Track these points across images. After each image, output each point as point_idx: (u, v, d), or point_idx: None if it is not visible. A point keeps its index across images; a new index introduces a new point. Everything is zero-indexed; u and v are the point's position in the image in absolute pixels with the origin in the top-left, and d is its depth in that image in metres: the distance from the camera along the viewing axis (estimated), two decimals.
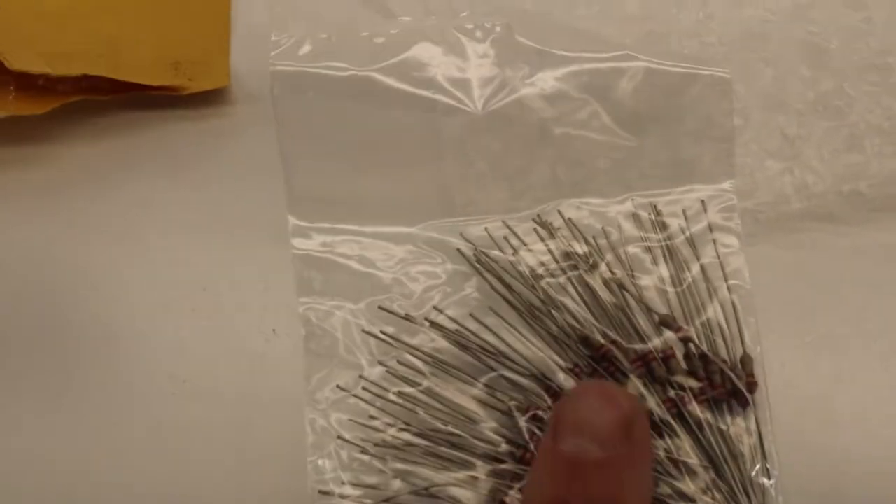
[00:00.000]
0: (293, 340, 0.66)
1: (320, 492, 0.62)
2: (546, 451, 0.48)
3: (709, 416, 0.62)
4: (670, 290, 0.65)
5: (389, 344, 0.64)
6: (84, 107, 0.70)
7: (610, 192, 0.68)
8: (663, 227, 0.67)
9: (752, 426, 0.62)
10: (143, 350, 0.66)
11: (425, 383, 0.64)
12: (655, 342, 0.63)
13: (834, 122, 0.70)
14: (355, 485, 0.62)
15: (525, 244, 0.66)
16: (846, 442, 0.63)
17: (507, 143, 0.69)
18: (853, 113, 0.70)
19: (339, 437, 0.63)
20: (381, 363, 0.64)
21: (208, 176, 0.71)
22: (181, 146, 0.71)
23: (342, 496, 0.62)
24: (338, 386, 0.64)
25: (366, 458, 0.62)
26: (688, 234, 0.66)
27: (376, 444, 0.62)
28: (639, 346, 0.63)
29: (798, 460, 0.63)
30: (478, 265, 0.66)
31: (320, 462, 0.63)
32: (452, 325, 0.64)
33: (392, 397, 0.63)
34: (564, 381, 0.63)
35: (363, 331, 0.65)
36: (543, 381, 0.63)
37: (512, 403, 0.62)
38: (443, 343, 0.65)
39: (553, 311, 0.64)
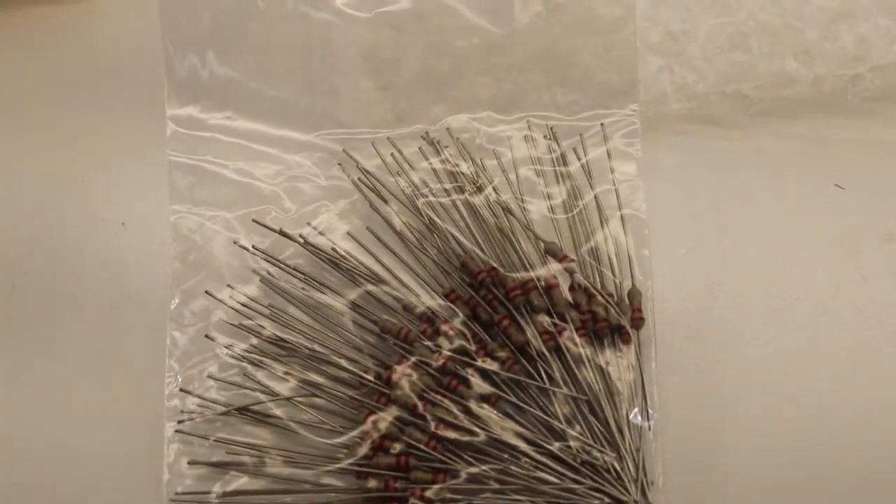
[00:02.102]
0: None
1: (181, 390, 0.60)
2: None
3: (588, 350, 0.58)
4: (561, 217, 0.61)
5: (262, 258, 0.62)
6: None
7: (504, 109, 0.64)
8: (558, 150, 0.62)
9: (634, 363, 0.58)
10: None
11: (295, 301, 0.61)
12: (540, 271, 0.59)
13: (722, 19, 0.66)
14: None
15: (410, 163, 0.62)
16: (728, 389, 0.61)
17: (398, 56, 0.65)
18: (742, 9, 0.66)
19: (206, 336, 0.61)
20: (255, 272, 0.62)
21: (77, 63, 0.69)
22: (49, 32, 0.69)
23: (202, 398, 0.59)
24: (207, 292, 0.61)
25: (232, 363, 0.60)
26: (584, 159, 0.62)
27: (245, 351, 0.60)
28: (521, 275, 0.59)
29: (680, 403, 0.60)
30: (359, 182, 0.62)
31: (175, 364, 0.61)
32: (327, 244, 0.60)
33: (263, 310, 0.61)
34: (439, 306, 0.58)
35: (234, 242, 0.61)
36: (415, 305, 0.60)
37: (382, 325, 0.59)
38: (317, 261, 0.61)
39: (434, 234, 0.60)
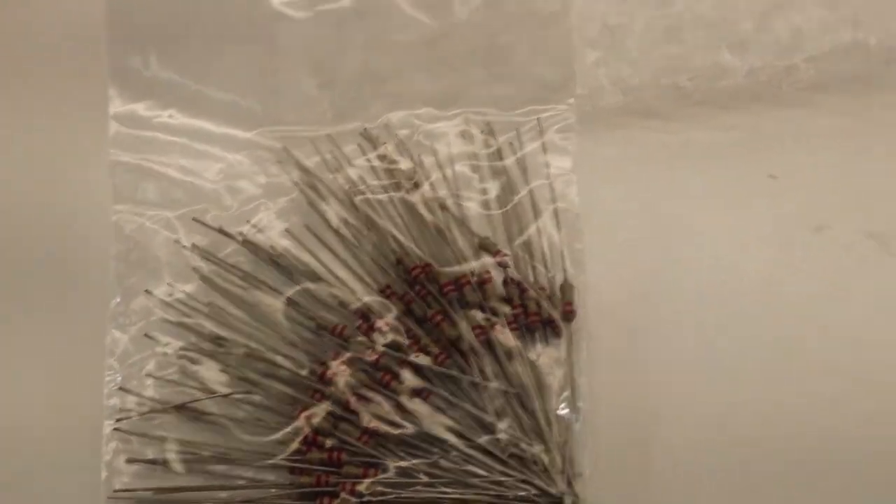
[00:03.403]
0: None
1: (120, 388, 0.62)
2: None
3: (519, 344, 0.59)
4: (496, 212, 0.62)
5: (202, 256, 0.63)
6: None
7: (442, 104, 0.66)
8: (494, 145, 0.63)
9: (564, 357, 0.60)
10: None
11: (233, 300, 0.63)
12: (474, 265, 0.60)
13: (658, 12, 0.67)
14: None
15: (348, 160, 0.63)
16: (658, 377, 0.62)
17: (338, 54, 0.66)
18: (678, 1, 0.67)
19: (145, 335, 0.62)
20: (195, 270, 0.63)
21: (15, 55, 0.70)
22: None
23: (140, 396, 0.61)
24: (147, 291, 0.63)
25: (171, 361, 0.62)
26: (519, 154, 0.63)
27: (182, 349, 0.61)
28: (455, 269, 0.60)
29: (609, 395, 0.61)
30: (298, 180, 0.64)
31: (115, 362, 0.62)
32: (266, 242, 0.61)
33: (202, 308, 0.62)
34: (375, 302, 0.60)
35: (175, 241, 0.63)
36: (351, 301, 0.61)
37: (318, 321, 0.61)
38: (256, 259, 0.63)
39: (371, 231, 0.62)
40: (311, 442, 0.58)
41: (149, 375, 0.61)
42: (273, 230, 0.63)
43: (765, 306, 0.63)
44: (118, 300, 0.62)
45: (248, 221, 0.63)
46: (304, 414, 0.58)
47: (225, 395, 0.60)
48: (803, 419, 0.60)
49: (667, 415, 0.61)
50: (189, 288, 0.63)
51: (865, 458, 0.59)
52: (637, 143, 0.66)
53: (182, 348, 0.61)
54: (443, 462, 0.58)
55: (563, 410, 0.59)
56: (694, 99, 0.66)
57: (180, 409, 0.60)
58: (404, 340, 0.60)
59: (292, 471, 0.58)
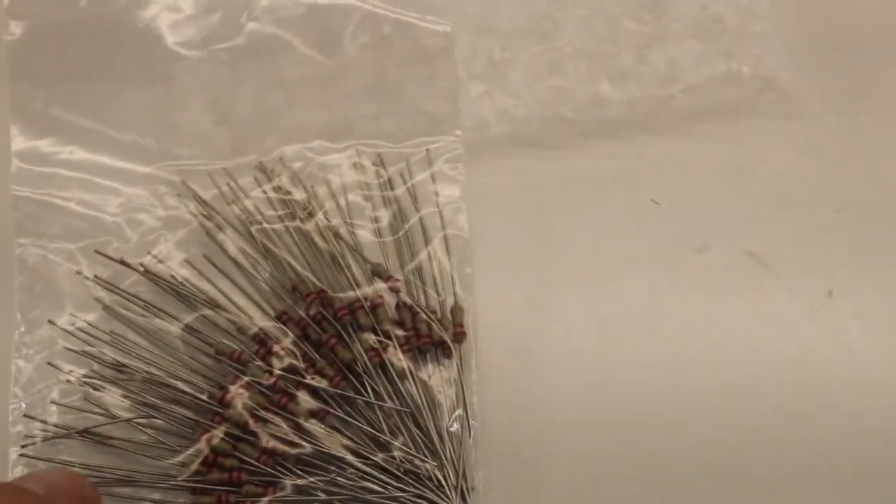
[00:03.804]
0: None
1: (25, 415, 0.63)
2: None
3: (411, 365, 0.62)
4: (388, 239, 0.65)
5: (104, 287, 0.65)
6: None
7: (335, 137, 0.68)
8: (385, 175, 0.66)
9: (456, 376, 0.62)
10: None
11: (135, 328, 0.65)
12: (367, 291, 0.63)
13: (541, 47, 0.70)
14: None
15: (245, 192, 0.66)
16: (548, 389, 0.65)
17: (233, 91, 0.68)
18: (560, 37, 0.70)
19: (49, 363, 0.64)
20: (97, 300, 0.65)
21: None
22: None
23: (45, 422, 0.63)
24: (50, 321, 0.64)
25: (75, 388, 0.64)
26: (409, 183, 0.66)
27: (85, 377, 0.63)
28: (349, 294, 0.63)
29: (500, 412, 0.64)
30: (196, 212, 0.66)
31: (20, 390, 0.64)
32: (167, 272, 0.64)
33: (104, 336, 0.64)
34: (272, 328, 0.63)
35: (77, 272, 0.65)
36: (248, 327, 0.64)
37: (217, 347, 0.63)
38: (157, 288, 0.65)
39: (267, 259, 0.64)
40: (211, 463, 0.60)
41: (53, 403, 0.63)
42: (173, 260, 0.65)
43: (647, 324, 0.65)
44: (22, 330, 0.64)
45: (148, 252, 0.65)
46: (204, 436, 0.60)
47: (127, 420, 0.61)
48: (688, 431, 0.63)
49: (555, 428, 0.64)
50: (91, 317, 0.64)
51: (747, 464, 0.63)
52: (524, 171, 0.68)
53: (85, 375, 0.63)
54: (340, 479, 0.60)
55: (455, 428, 0.61)
56: (578, 129, 0.68)
57: (84, 434, 0.61)
58: (300, 364, 0.61)
59: (194, 491, 0.60)
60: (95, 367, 0.63)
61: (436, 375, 0.62)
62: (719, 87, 0.70)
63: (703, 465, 0.63)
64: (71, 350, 0.64)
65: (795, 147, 0.69)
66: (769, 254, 0.66)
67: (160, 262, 0.65)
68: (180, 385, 0.62)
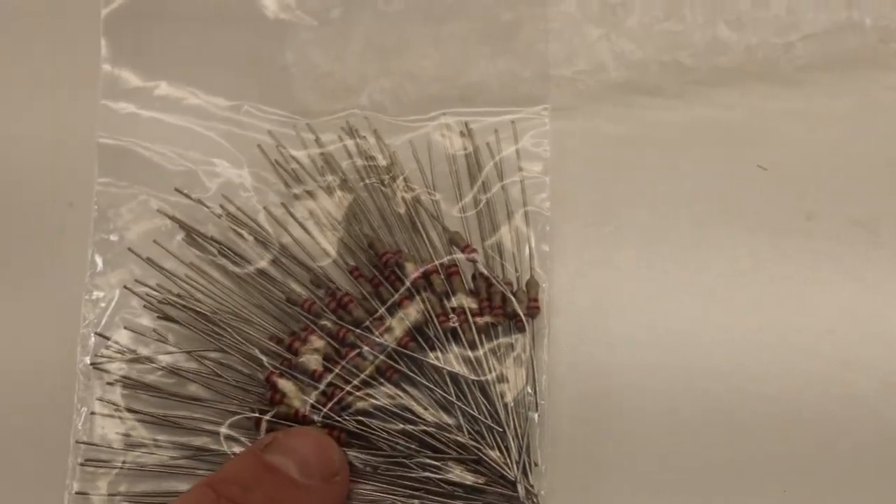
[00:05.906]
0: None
1: (97, 333, 0.63)
2: (249, 454, 0.54)
3: (483, 337, 0.61)
4: (470, 210, 0.64)
5: (181, 226, 0.65)
6: None
7: (422, 108, 0.67)
8: (471, 146, 0.65)
9: (527, 352, 0.61)
10: None
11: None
12: (444, 259, 0.62)
13: None
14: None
15: (328, 149, 0.65)
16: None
17: (332, 49, 0.68)
18: None
19: (125, 287, 0.64)
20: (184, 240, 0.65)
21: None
22: None
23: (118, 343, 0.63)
24: (129, 248, 0.65)
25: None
26: (497, 158, 0.65)
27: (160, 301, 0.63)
28: (424, 259, 0.62)
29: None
30: (276, 164, 0.66)
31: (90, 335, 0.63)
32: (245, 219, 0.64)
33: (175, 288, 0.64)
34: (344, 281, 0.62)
35: (158, 210, 0.65)
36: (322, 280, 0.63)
37: (289, 295, 0.63)
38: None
39: (347, 214, 0.64)
40: (276, 402, 0.59)
41: (125, 328, 0.63)
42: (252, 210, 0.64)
43: (752, 299, 0.63)
44: (98, 270, 0.65)
45: (224, 196, 0.65)
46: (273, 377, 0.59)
47: (196, 352, 0.61)
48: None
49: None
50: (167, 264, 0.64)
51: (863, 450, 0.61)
52: (635, 117, 0.67)
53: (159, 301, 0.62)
54: (407, 429, 0.59)
55: (522, 402, 0.60)
56: (696, 76, 0.67)
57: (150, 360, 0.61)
58: (370, 321, 0.60)
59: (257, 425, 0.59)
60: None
61: (506, 350, 0.60)
62: (840, 36, 0.67)
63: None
64: (144, 285, 0.63)
65: None
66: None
67: (239, 209, 0.63)
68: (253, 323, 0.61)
